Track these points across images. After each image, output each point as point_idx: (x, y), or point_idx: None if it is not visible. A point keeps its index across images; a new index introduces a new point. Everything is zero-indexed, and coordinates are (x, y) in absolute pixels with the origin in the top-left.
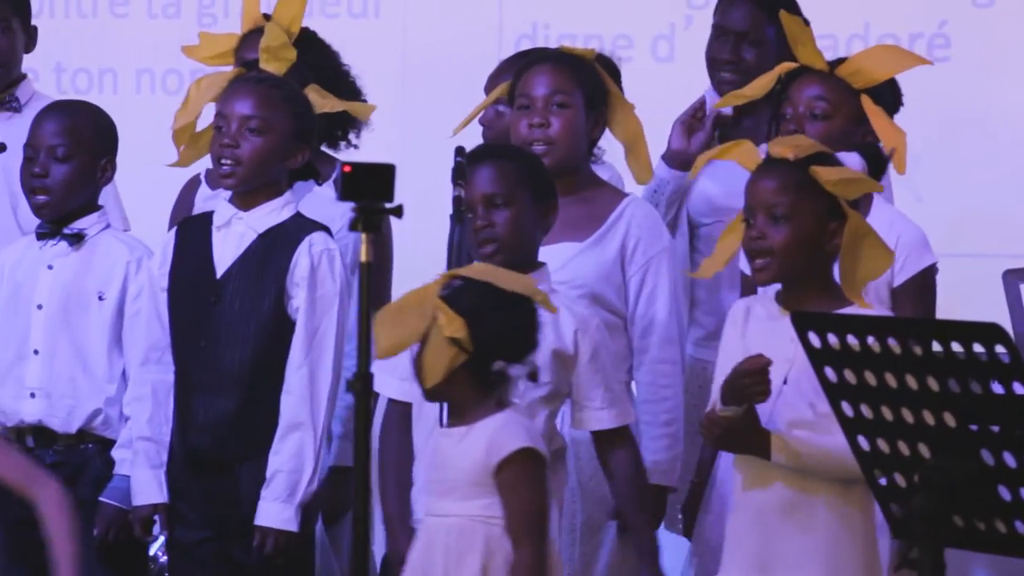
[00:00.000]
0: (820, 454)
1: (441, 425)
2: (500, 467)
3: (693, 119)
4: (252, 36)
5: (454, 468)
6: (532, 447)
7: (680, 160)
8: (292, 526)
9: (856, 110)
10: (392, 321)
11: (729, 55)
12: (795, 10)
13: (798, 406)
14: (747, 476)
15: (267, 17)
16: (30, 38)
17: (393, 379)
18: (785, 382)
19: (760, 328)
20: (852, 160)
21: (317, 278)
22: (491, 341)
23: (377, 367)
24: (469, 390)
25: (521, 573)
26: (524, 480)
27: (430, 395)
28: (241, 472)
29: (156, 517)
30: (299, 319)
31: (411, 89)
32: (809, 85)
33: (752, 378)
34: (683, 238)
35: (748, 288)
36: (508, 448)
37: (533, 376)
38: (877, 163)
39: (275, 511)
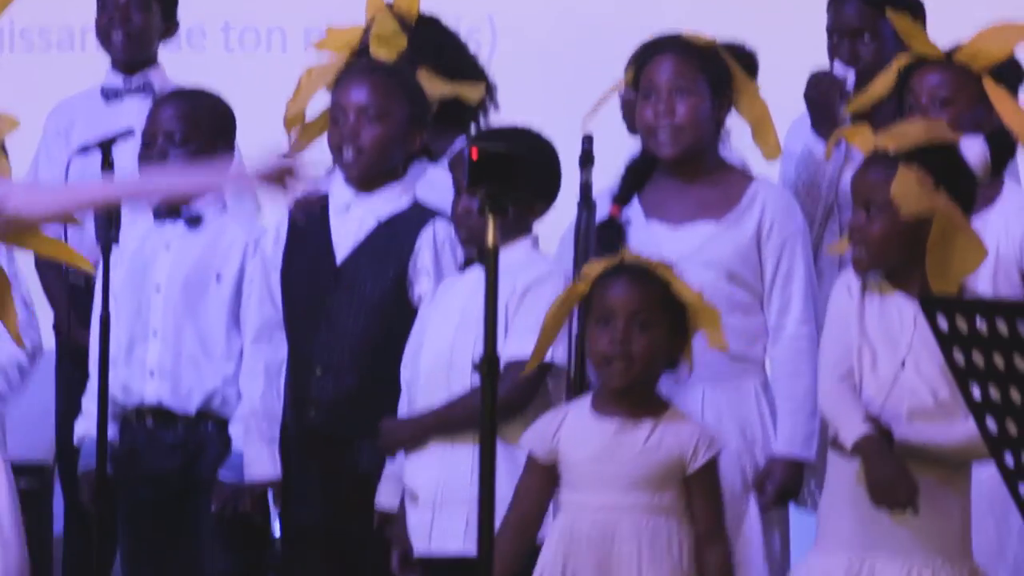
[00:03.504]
0: (934, 450)
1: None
2: (706, 465)
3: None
4: None
5: (644, 463)
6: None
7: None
8: None
9: (979, 93)
10: None
11: (847, 56)
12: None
13: (919, 392)
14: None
15: (390, 7)
16: (168, 28)
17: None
18: (903, 366)
19: (874, 308)
20: (975, 145)
21: (442, 266)
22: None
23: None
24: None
25: (724, 564)
26: (717, 477)
27: (631, 384)
28: (360, 452)
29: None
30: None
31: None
32: (928, 74)
33: None
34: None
35: None
36: (716, 448)
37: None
38: (1004, 148)
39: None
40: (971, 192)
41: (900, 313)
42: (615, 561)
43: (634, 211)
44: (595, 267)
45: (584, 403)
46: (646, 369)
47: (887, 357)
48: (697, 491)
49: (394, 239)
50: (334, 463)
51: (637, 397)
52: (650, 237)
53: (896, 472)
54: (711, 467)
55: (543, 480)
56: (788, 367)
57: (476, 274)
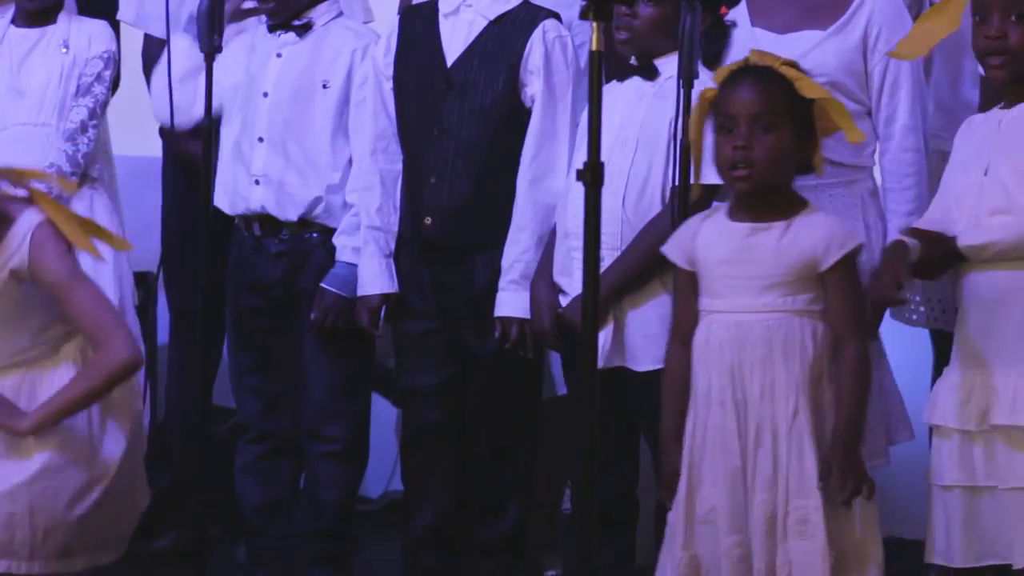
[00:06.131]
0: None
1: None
2: (839, 263)
3: None
4: None
5: (776, 264)
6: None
7: None
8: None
9: None
10: None
11: None
12: None
13: (996, 194)
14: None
15: None
16: None
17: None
18: (985, 174)
19: (985, 125)
20: None
21: (552, 66)
22: None
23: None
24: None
25: (861, 363)
26: (856, 276)
27: (757, 188)
28: (477, 261)
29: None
30: (535, 108)
31: None
32: None
33: None
34: None
35: (987, 90)
36: (850, 245)
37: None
38: None
39: (515, 300)
40: None
41: (992, 128)
42: (747, 366)
43: (740, 15)
44: (721, 72)
45: (721, 210)
46: (771, 173)
47: (975, 165)
48: (831, 289)
49: (504, 39)
50: (449, 273)
51: (771, 200)
52: (753, 44)
53: (884, 267)
54: (846, 264)
55: (692, 287)
56: (894, 180)
57: (635, 85)
